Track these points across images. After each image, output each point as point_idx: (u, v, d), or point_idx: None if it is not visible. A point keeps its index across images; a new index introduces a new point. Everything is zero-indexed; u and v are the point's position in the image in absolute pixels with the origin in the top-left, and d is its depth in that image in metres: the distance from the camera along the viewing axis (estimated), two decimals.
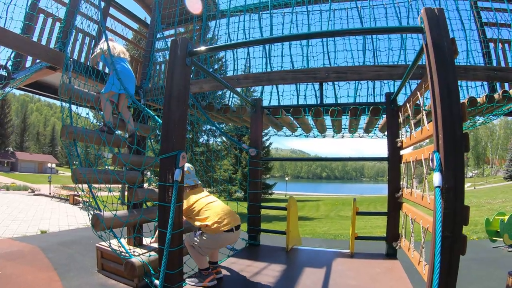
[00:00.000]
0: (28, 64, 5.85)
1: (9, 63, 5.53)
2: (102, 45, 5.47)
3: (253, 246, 5.92)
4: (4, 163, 78.62)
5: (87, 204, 4.71)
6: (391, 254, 5.19)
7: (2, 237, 14.37)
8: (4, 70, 5.50)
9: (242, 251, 5.62)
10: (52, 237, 8.62)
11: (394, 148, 5.16)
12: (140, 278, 5.27)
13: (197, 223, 3.85)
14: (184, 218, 3.81)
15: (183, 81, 3.49)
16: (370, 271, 4.44)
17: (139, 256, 4.24)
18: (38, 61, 5.49)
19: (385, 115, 5.57)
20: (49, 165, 55.34)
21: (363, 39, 6.15)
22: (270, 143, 48.88)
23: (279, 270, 4.54)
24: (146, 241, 5.57)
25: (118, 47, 5.56)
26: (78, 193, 4.93)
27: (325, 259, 5.12)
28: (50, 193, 37.32)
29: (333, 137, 7.86)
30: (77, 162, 4.53)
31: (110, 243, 4.59)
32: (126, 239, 5.03)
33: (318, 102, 6.03)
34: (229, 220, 3.86)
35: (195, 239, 3.83)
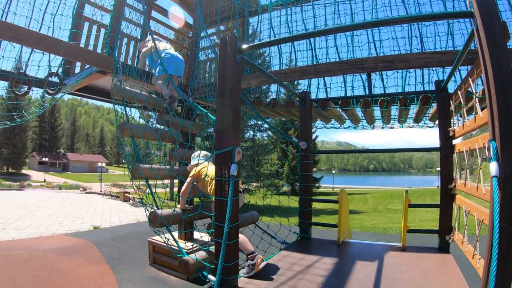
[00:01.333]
0: (77, 70, 6.11)
1: (60, 70, 5.75)
2: (148, 43, 5.80)
3: (304, 240, 5.88)
4: (56, 164, 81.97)
5: (143, 200, 4.80)
6: (444, 247, 5.00)
7: (56, 233, 15.01)
8: (56, 77, 5.73)
9: (294, 244, 5.60)
10: (104, 232, 8.82)
11: (446, 138, 4.94)
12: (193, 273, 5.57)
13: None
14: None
15: (235, 78, 3.54)
16: (422, 265, 4.31)
17: (192, 254, 4.32)
18: (87, 66, 5.74)
19: (435, 104, 5.39)
20: (99, 164, 57.15)
21: (408, 26, 5.83)
22: (316, 136, 48.31)
23: (331, 263, 4.49)
24: (196, 235, 5.64)
25: (162, 44, 5.91)
26: (134, 190, 4.91)
27: (377, 253, 5.03)
28: (101, 191, 38.69)
29: (382, 128, 7.61)
30: (131, 159, 4.70)
31: (166, 238, 4.72)
32: (179, 233, 5.17)
33: (367, 93, 5.89)
34: None
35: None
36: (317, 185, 48.61)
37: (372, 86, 5.89)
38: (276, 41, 4.79)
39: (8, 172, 63.17)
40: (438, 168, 5.69)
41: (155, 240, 5.47)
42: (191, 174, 4.80)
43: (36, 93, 6.03)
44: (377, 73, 5.96)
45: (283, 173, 37.41)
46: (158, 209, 4.40)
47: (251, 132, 33.20)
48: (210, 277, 3.91)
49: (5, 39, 4.31)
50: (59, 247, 6.49)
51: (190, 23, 8.13)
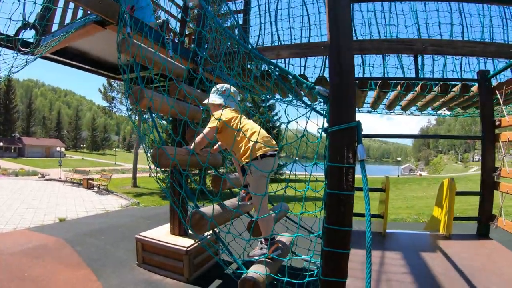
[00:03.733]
0: (55, 28, 4.83)
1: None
2: None
3: None
4: (11, 149, 78.20)
5: (170, 198, 3.52)
6: (483, 234, 5.12)
7: (18, 227, 13.59)
8: (33, 29, 4.41)
9: None
10: (73, 226, 7.79)
11: (490, 127, 5.19)
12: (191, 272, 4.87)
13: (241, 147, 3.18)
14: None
15: (349, 26, 2.55)
16: (480, 252, 4.45)
17: (255, 266, 3.06)
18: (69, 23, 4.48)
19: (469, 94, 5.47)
20: (57, 149, 54.98)
21: (449, 13, 5.81)
22: None
23: (396, 257, 4.23)
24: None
25: None
26: (158, 182, 3.65)
27: (429, 243, 4.93)
28: (60, 178, 36.65)
29: (411, 113, 7.54)
30: (150, 139, 3.36)
31: (221, 249, 3.34)
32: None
33: (409, 76, 5.65)
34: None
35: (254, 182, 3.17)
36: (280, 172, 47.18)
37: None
38: None
39: None
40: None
41: (144, 236, 5.08)
42: (212, 123, 3.25)
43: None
44: (411, 56, 5.77)
45: None
46: (196, 206, 3.01)
47: None
48: None
49: None
50: (26, 247, 5.52)
51: None
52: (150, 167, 3.10)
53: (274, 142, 3.27)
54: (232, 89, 3.59)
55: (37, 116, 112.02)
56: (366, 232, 2.24)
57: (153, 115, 3.23)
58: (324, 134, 2.43)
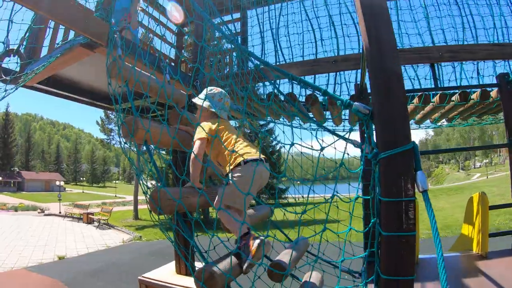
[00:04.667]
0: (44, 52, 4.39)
1: (23, 45, 4.01)
2: None
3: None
4: (11, 183, 77.49)
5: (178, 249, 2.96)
6: None
7: (15, 267, 12.93)
8: (16, 56, 3.98)
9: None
10: (73, 265, 7.36)
11: None
12: None
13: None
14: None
15: (390, 24, 2.12)
16: None
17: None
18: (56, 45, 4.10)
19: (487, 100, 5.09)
20: (57, 183, 54.55)
21: (460, 17, 5.65)
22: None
23: None
24: None
25: None
26: (167, 234, 3.16)
27: (460, 265, 4.51)
28: (60, 212, 35.91)
29: (428, 127, 7.45)
30: (147, 177, 2.84)
31: None
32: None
33: (432, 85, 5.38)
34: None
35: (226, 191, 2.76)
36: (283, 196, 46.28)
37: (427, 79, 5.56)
38: None
39: None
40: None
41: (148, 278, 4.62)
42: (200, 134, 2.90)
43: None
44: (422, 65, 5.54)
45: None
46: (206, 260, 2.45)
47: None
48: None
49: None
50: None
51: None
52: (150, 212, 2.56)
53: (254, 150, 2.99)
54: (228, 98, 3.34)
55: (36, 150, 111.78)
56: None
57: (151, 149, 2.71)
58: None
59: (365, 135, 2.07)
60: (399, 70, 2.01)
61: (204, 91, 3.19)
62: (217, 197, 2.86)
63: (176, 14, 5.34)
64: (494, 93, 5.05)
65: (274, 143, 37.10)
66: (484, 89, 5.03)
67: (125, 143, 2.82)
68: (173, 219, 2.66)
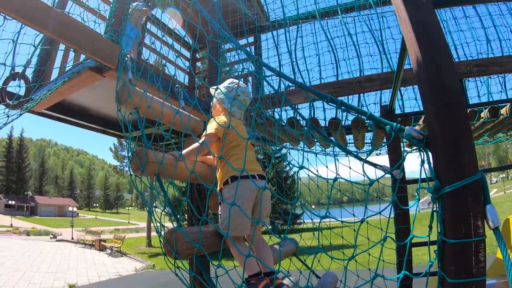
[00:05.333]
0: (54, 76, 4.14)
1: (30, 68, 3.81)
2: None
3: None
4: (24, 207, 77.69)
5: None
6: None
7: None
8: (22, 80, 3.77)
9: None
10: None
11: None
12: None
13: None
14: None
15: (443, 37, 1.84)
16: None
17: None
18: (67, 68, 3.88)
19: None
20: (70, 208, 54.66)
21: (482, 28, 5.38)
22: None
23: None
24: None
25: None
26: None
27: None
28: (72, 238, 35.77)
29: None
30: (161, 214, 2.48)
31: None
32: None
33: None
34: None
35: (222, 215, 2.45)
36: (298, 221, 45.23)
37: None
38: None
39: None
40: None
41: None
42: (212, 129, 2.56)
43: None
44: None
45: None
46: None
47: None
48: None
49: None
50: None
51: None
52: (165, 255, 2.23)
53: (258, 167, 2.67)
54: (247, 96, 2.90)
55: (49, 175, 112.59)
56: None
57: (163, 184, 2.38)
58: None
59: (420, 165, 1.73)
60: (459, 89, 1.70)
61: (225, 82, 2.89)
62: (219, 220, 2.51)
63: (176, 19, 5.17)
64: None
65: (287, 168, 36.88)
66: None
67: (136, 176, 2.49)
68: (191, 265, 2.31)
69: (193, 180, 2.73)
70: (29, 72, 4.03)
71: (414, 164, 1.89)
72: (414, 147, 1.81)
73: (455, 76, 1.74)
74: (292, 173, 37.75)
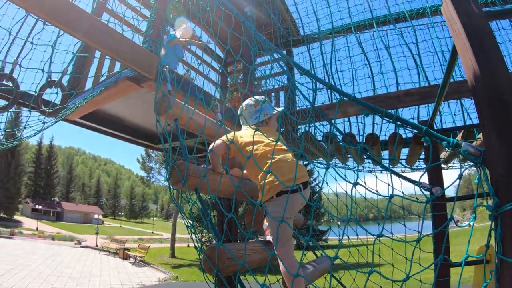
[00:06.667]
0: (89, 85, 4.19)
1: (66, 76, 3.81)
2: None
3: None
4: (50, 212, 78.86)
5: None
6: None
7: None
8: (58, 88, 3.78)
9: None
10: None
11: None
12: None
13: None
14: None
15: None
16: None
17: None
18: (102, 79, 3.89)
19: None
20: (95, 216, 55.29)
21: None
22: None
23: None
24: None
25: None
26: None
27: None
28: (97, 245, 36.10)
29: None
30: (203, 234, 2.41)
31: None
32: None
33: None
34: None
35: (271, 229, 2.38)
36: (323, 238, 44.75)
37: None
38: None
39: None
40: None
41: None
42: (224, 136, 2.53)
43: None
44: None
45: None
46: None
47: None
48: None
49: None
50: None
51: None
52: (204, 272, 2.13)
53: (303, 173, 2.42)
54: (258, 104, 2.73)
55: (77, 182, 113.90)
56: None
57: (202, 200, 2.29)
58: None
59: (477, 181, 1.66)
60: None
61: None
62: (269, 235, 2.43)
63: (186, 30, 5.15)
64: None
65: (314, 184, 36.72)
66: None
67: (173, 188, 2.41)
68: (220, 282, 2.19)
69: (239, 196, 2.65)
70: (64, 80, 4.04)
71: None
72: (470, 163, 1.72)
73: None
74: (318, 188, 37.47)
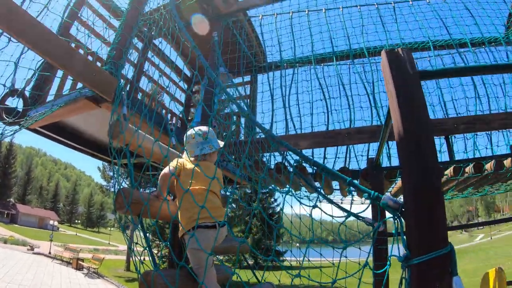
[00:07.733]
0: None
1: (29, 87, 3.86)
2: None
3: None
4: (4, 214, 76.00)
5: None
6: None
7: None
8: (20, 98, 3.83)
9: None
10: None
11: None
12: None
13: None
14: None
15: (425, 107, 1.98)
16: None
17: None
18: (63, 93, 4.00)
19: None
20: (51, 222, 53.59)
21: (472, 85, 5.59)
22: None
23: None
24: None
25: None
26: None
27: None
28: (50, 253, 34.95)
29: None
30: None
31: None
32: None
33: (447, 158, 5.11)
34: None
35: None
36: (281, 258, 44.63)
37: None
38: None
39: None
40: None
41: None
42: (172, 165, 2.66)
43: None
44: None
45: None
46: None
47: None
48: None
49: None
50: None
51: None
52: None
53: (219, 213, 2.61)
54: (197, 136, 2.85)
55: (34, 185, 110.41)
56: None
57: (144, 227, 2.41)
58: None
59: (394, 232, 1.82)
60: (435, 164, 1.81)
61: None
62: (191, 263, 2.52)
63: (201, 25, 5.25)
64: (508, 162, 4.79)
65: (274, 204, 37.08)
66: (499, 159, 4.77)
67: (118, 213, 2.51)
68: None
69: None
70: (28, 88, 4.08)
71: None
72: (390, 215, 1.89)
73: (434, 152, 1.85)
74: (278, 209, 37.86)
